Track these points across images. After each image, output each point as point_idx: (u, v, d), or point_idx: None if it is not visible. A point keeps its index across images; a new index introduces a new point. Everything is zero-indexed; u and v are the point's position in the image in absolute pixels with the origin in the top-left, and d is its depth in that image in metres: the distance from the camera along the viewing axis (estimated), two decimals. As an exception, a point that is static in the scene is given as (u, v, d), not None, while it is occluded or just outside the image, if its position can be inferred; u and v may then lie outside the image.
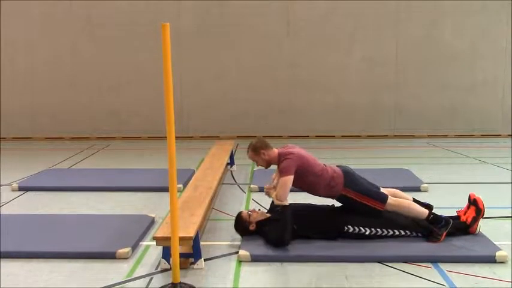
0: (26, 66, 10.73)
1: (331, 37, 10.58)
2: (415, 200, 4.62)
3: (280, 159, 4.46)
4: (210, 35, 10.59)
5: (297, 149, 4.60)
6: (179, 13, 10.51)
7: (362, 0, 10.41)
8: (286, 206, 4.37)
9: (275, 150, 4.58)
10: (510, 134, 10.67)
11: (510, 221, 5.06)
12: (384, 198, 4.40)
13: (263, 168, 4.74)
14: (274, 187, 4.55)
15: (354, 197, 4.41)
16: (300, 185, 4.54)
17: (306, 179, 4.45)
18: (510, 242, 4.42)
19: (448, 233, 4.32)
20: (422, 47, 10.59)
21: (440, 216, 4.38)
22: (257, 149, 4.57)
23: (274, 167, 4.65)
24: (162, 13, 10.35)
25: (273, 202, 4.78)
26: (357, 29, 10.57)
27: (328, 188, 4.46)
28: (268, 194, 4.60)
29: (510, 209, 5.44)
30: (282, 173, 4.40)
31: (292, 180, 4.36)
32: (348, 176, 4.49)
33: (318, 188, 4.49)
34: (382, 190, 4.55)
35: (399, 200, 4.47)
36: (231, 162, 7.55)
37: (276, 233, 4.25)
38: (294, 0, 10.50)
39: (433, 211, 4.50)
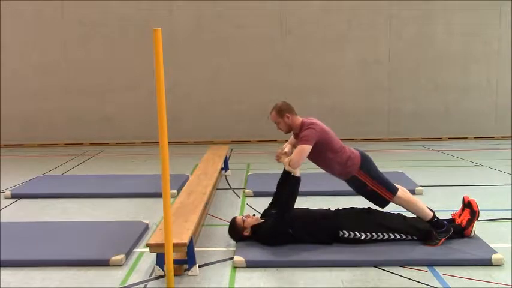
0: (17, 71, 10.67)
1: (324, 38, 10.59)
2: None
3: (303, 127, 4.36)
4: (202, 38, 10.58)
5: (319, 122, 4.47)
6: (172, 16, 10.49)
7: (355, 0, 10.45)
8: (297, 177, 4.29)
9: (299, 118, 4.48)
10: (503, 136, 10.70)
11: (505, 223, 5.06)
12: (394, 189, 4.37)
13: (282, 131, 4.54)
14: (286, 153, 4.45)
15: (365, 181, 4.35)
16: (315, 159, 4.43)
17: (323, 153, 4.35)
18: (506, 245, 4.41)
19: (443, 236, 4.31)
20: (415, 49, 10.62)
21: (444, 222, 4.35)
22: (282, 111, 4.44)
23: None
24: (155, 16, 10.34)
25: (268, 208, 4.76)
26: (350, 31, 10.59)
27: (343, 166, 4.37)
28: (279, 159, 4.48)
29: (505, 211, 5.44)
30: (301, 140, 4.28)
31: (309, 150, 4.25)
32: (365, 159, 4.42)
33: (333, 164, 4.39)
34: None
35: (409, 195, 4.44)
36: (225, 167, 7.53)
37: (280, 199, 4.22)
38: (287, 1, 10.50)
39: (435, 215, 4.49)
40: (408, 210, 4.42)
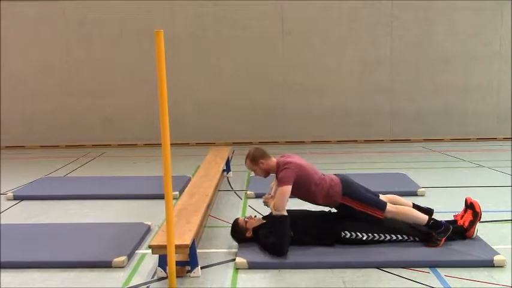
0: (19, 72, 10.67)
1: (325, 39, 10.59)
2: (415, 205, 4.61)
3: (279, 168, 4.45)
4: (204, 39, 10.58)
5: (295, 158, 4.58)
6: (173, 17, 10.49)
7: (356, 0, 10.46)
8: (285, 215, 4.34)
9: (273, 160, 4.57)
10: (505, 137, 10.68)
11: (508, 224, 5.05)
12: (382, 205, 4.39)
13: (261, 177, 4.72)
14: (272, 196, 4.54)
15: (352, 206, 4.40)
16: (298, 194, 4.53)
17: (304, 188, 4.44)
18: (508, 246, 4.41)
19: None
20: (416, 50, 10.62)
21: (441, 221, 4.36)
22: (255, 159, 4.55)
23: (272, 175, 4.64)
24: (156, 17, 10.34)
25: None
26: (351, 31, 10.57)
27: (326, 197, 4.45)
28: (267, 204, 4.59)
29: (508, 212, 5.44)
30: (280, 182, 4.38)
31: (290, 190, 4.35)
32: (346, 184, 4.48)
33: (317, 197, 4.48)
34: (382, 197, 4.54)
35: (399, 207, 4.46)
36: (227, 169, 7.53)
37: (274, 241, 4.22)
38: (288, 1, 10.50)
39: (433, 215, 4.50)
40: (402, 220, 4.42)
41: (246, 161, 4.63)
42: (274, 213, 4.39)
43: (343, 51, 10.66)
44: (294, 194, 4.47)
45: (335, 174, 4.63)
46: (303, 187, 4.42)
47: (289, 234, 4.26)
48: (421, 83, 10.73)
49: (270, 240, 4.25)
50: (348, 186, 4.46)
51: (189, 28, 10.58)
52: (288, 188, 4.33)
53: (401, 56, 10.65)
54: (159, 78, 3.43)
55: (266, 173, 4.61)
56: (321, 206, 4.65)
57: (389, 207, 4.39)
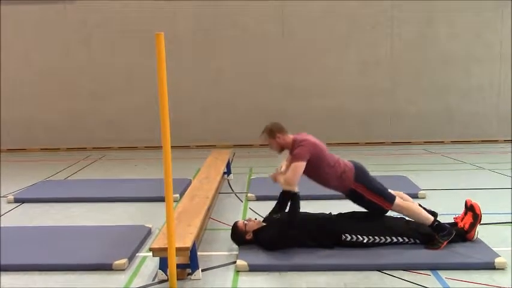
0: (19, 74, 10.67)
1: (325, 40, 10.59)
2: (420, 206, 4.61)
3: (295, 145, 4.42)
4: (204, 41, 10.58)
5: (311, 137, 4.54)
6: (174, 18, 10.48)
7: (356, 0, 10.47)
8: (296, 192, 4.31)
9: (290, 136, 4.53)
10: (506, 139, 10.68)
11: (508, 227, 5.05)
12: (392, 198, 4.39)
13: (276, 152, 4.63)
14: (282, 173, 4.48)
15: (362, 193, 4.38)
16: (311, 174, 4.46)
17: (318, 168, 4.39)
18: (508, 248, 4.41)
19: (446, 240, 4.32)
20: (417, 51, 10.62)
21: (445, 225, 4.36)
22: (273, 132, 4.51)
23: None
24: (157, 18, 10.33)
25: (270, 212, 4.76)
26: (351, 32, 10.57)
27: (339, 180, 4.41)
28: (275, 179, 4.50)
29: (508, 215, 5.44)
30: (294, 158, 4.33)
31: (303, 167, 4.29)
32: (359, 171, 4.46)
33: (329, 179, 4.43)
34: (390, 191, 4.53)
35: (407, 203, 4.46)
36: (228, 171, 7.53)
37: (274, 232, 4.24)
38: (289, 2, 10.51)
39: (437, 219, 4.50)
40: (408, 216, 4.44)
41: (262, 135, 4.56)
42: (285, 187, 4.35)
43: (343, 52, 10.66)
44: (307, 174, 4.41)
45: (349, 161, 4.59)
46: (316, 167, 4.37)
47: (298, 213, 4.26)
48: (421, 84, 10.72)
49: (272, 233, 4.26)
50: (361, 173, 4.45)
51: (189, 29, 10.58)
52: (302, 164, 4.28)
53: (402, 56, 10.65)
54: (159, 80, 3.43)
55: (281, 148, 4.54)
56: (321, 207, 4.64)
57: (398, 201, 4.39)
